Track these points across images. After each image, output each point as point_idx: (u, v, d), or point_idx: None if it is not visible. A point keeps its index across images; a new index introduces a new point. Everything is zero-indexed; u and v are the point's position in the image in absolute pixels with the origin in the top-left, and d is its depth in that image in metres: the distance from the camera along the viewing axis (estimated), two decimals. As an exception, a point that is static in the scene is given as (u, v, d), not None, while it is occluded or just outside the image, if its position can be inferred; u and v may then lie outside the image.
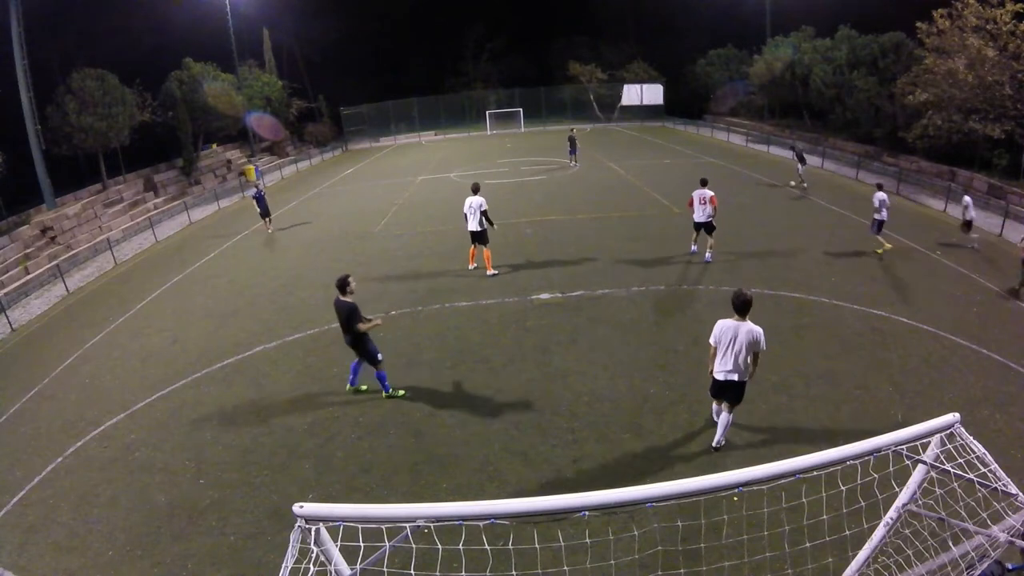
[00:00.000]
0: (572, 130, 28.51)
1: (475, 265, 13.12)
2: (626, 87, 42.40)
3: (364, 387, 8.45)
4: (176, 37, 30.85)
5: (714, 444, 6.69)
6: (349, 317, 7.67)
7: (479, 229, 12.39)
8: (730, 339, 6.12)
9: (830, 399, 7.61)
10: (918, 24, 20.13)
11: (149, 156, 26.78)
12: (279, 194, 25.76)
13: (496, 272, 12.81)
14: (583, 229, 15.96)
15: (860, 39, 25.59)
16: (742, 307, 6.10)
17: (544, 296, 11.52)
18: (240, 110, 31.32)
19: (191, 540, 6.01)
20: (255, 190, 18.66)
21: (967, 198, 13.80)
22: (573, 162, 26.00)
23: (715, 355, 6.28)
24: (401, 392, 8.30)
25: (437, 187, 23.66)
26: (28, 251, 17.65)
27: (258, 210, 18.32)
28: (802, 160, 19.52)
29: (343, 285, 7.76)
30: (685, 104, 40.56)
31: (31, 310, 14.25)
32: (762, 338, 6.10)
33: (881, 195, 12.67)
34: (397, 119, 44.33)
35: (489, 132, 41.61)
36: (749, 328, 6.08)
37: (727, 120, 36.26)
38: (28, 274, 16.33)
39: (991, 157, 19.28)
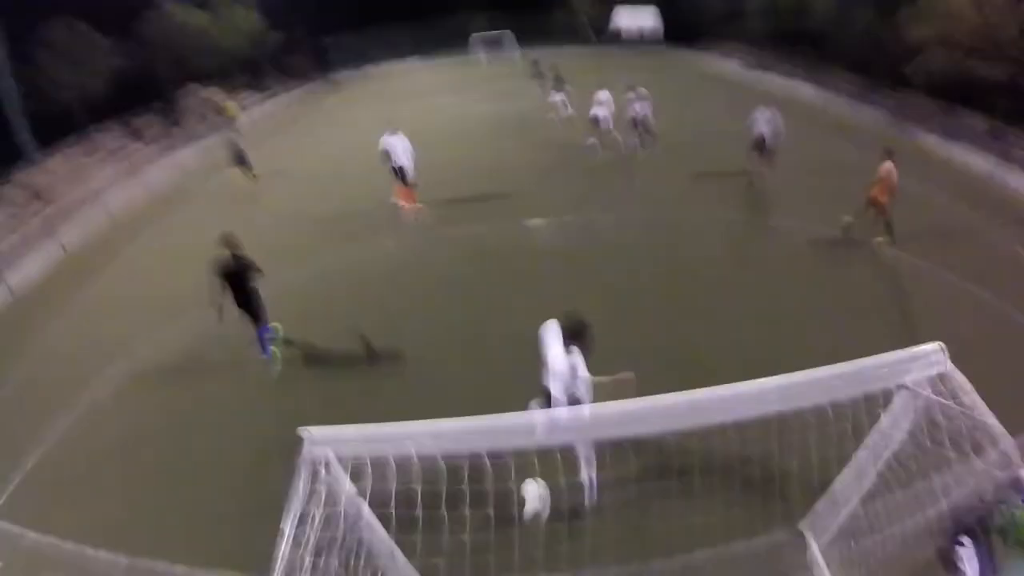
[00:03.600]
0: (536, 62, 28.11)
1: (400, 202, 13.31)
2: (616, 9, 40.39)
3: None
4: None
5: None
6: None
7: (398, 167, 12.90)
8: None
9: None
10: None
11: (128, 102, 25.73)
12: (260, 134, 24.94)
13: (409, 208, 13.15)
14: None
15: (863, -33, 24.36)
16: (572, 331, 4.92)
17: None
18: (218, 47, 29.95)
19: (207, 484, 6.30)
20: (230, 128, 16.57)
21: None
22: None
23: None
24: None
25: (426, 116, 23.17)
26: (15, 211, 17.21)
27: (233, 159, 16.35)
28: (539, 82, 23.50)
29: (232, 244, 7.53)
30: (684, 28, 38.44)
31: (27, 272, 13.58)
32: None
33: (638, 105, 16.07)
34: (380, 46, 42.24)
35: (476, 58, 39.95)
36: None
37: (725, 46, 34.60)
38: (17, 235, 15.87)
39: (992, 98, 18.81)
